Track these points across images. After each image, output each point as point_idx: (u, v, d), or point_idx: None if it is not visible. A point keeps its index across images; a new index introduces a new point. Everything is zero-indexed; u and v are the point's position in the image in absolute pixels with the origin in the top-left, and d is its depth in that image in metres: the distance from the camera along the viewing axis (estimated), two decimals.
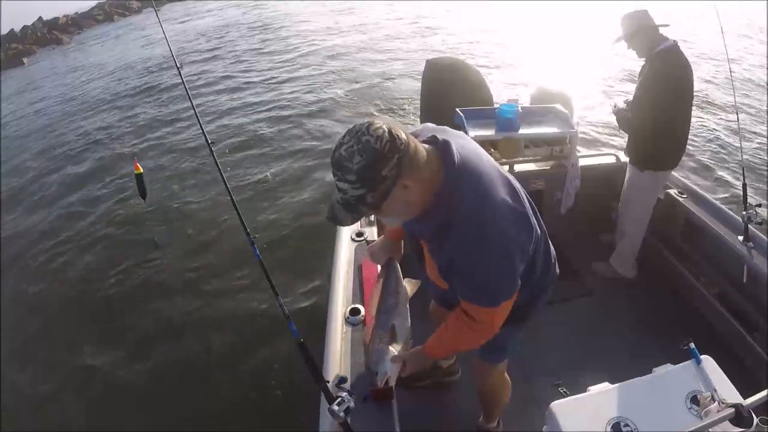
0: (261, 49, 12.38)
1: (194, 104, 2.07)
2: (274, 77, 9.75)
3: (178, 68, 2.00)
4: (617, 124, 2.91)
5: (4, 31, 19.43)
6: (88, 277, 4.31)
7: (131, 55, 13.52)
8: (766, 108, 6.48)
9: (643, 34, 2.51)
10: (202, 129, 1.89)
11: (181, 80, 2.04)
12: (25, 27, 20.63)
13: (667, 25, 2.54)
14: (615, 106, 2.84)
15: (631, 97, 2.77)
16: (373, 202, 1.07)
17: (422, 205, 1.16)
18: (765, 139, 5.61)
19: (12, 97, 11.89)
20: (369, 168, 1.02)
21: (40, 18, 21.73)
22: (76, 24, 21.11)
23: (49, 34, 19.20)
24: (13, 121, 9.68)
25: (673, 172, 2.88)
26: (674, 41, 2.51)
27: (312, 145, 6.31)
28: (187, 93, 1.93)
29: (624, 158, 3.14)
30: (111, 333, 3.63)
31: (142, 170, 1.65)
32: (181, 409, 2.89)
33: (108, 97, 9.83)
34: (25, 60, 16.40)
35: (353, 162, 1.02)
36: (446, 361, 2.35)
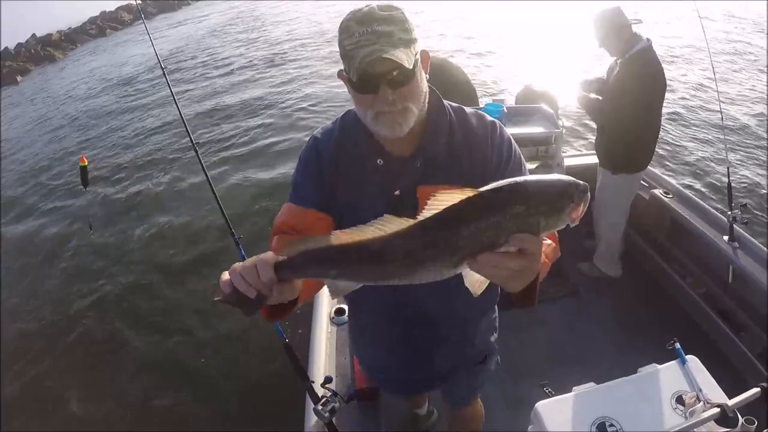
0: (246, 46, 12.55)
1: (179, 106, 2.08)
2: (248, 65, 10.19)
3: (164, 73, 2.02)
4: (584, 110, 2.81)
5: None
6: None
7: (123, 68, 13.54)
8: (750, 107, 6.50)
9: (616, 35, 2.45)
10: (188, 131, 1.89)
11: (170, 91, 2.06)
12: (18, 44, 20.65)
13: (639, 21, 2.49)
14: (586, 83, 2.72)
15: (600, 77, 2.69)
16: (415, 55, 0.96)
17: (421, 119, 1.05)
18: (750, 139, 5.61)
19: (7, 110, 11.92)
20: (407, 20, 0.96)
21: (33, 35, 21.74)
22: (69, 40, 21.08)
23: (42, 50, 19.17)
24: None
25: (658, 173, 2.89)
26: (648, 41, 2.46)
27: (295, 144, 6.35)
28: (173, 96, 1.94)
29: None
30: (95, 335, 3.65)
31: (87, 163, 1.71)
32: (167, 408, 2.90)
33: (101, 110, 9.87)
34: (18, 78, 16.34)
35: (393, 11, 0.94)
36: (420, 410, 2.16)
